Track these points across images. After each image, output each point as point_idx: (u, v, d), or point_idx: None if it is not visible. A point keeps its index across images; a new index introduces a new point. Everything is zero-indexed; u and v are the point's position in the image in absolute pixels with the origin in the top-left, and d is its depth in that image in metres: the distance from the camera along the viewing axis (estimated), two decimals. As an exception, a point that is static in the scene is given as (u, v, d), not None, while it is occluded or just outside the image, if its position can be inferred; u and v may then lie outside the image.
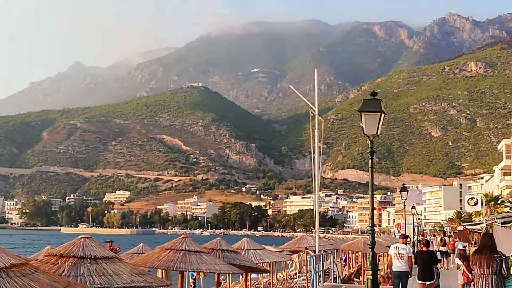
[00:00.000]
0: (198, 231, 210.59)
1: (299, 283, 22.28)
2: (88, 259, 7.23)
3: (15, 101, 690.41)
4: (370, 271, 11.34)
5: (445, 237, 31.49)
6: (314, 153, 20.13)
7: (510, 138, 65.29)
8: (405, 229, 39.73)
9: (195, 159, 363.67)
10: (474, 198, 71.86)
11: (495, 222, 19.22)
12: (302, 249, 21.23)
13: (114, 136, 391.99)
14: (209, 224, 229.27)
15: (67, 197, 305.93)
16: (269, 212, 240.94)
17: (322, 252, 20.30)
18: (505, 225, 18.44)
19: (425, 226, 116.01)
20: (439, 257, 19.83)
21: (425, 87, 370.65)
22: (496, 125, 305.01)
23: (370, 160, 11.49)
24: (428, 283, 13.47)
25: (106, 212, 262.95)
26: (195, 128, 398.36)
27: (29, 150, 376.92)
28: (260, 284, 20.73)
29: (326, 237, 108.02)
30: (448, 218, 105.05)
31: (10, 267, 3.58)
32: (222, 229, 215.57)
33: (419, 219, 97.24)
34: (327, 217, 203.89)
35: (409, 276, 13.89)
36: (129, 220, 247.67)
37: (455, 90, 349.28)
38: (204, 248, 11.07)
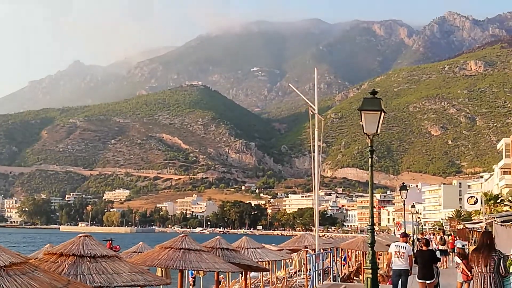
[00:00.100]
0: (197, 229, 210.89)
1: (298, 282, 22.27)
2: (88, 258, 7.24)
3: (15, 100, 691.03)
4: (370, 270, 11.35)
5: (444, 236, 31.47)
6: (313, 151, 20.08)
7: (510, 137, 65.19)
8: (405, 228, 39.65)
9: (195, 158, 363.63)
10: (474, 197, 71.72)
11: (495, 220, 19.26)
12: (302, 247, 21.23)
13: (113, 134, 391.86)
14: (208, 223, 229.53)
15: (67, 196, 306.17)
16: (269, 211, 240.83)
17: (321, 250, 20.29)
18: (504, 223, 18.47)
19: (425, 225, 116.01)
20: (438, 256, 19.82)
21: (424, 86, 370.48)
22: (495, 124, 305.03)
23: (369, 159, 11.48)
24: (428, 282, 13.49)
25: (105, 210, 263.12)
26: (194, 127, 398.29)
27: (28, 149, 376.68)
28: (260, 282, 20.73)
29: (326, 235, 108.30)
30: (448, 217, 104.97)
31: (9, 266, 3.57)
32: (221, 228, 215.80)
33: (418, 217, 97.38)
34: (327, 215, 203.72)
35: (409, 274, 13.92)
36: (129, 219, 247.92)
37: (455, 89, 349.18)
38: (204, 247, 11.07)
